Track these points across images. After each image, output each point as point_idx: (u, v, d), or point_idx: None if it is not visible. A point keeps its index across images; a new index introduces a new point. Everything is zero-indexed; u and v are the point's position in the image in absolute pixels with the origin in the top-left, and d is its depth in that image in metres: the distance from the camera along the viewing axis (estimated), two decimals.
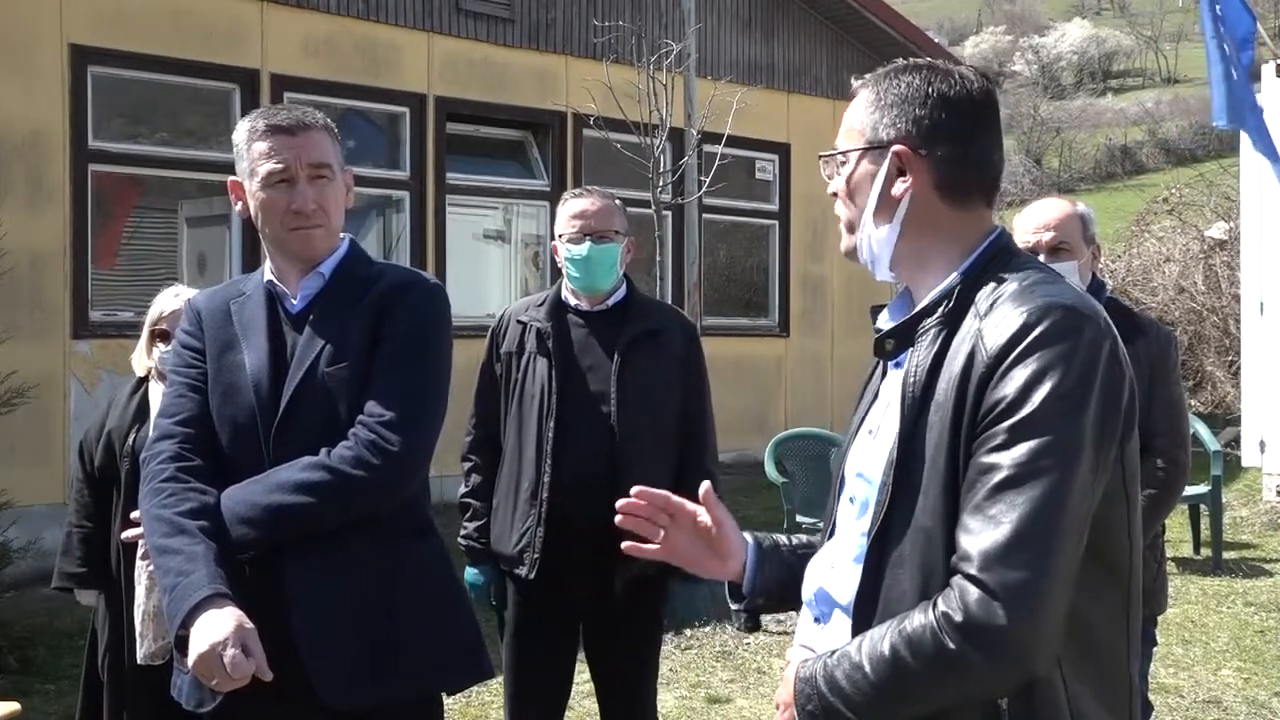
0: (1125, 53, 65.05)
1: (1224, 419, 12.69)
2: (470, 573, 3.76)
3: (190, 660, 2.30)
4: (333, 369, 2.53)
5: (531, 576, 3.55)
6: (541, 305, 3.70)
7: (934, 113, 1.82)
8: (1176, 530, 8.93)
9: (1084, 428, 1.63)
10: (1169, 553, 8.41)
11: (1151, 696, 5.68)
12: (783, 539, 2.11)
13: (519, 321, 3.70)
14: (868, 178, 1.86)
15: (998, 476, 1.62)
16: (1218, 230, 14.87)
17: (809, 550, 2.06)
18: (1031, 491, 1.60)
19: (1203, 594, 7.44)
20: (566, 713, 3.90)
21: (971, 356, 1.69)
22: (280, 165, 2.55)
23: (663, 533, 2.04)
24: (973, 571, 1.60)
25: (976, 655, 1.59)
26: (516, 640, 3.68)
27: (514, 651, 3.69)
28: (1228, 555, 8.28)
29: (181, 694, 2.57)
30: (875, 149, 1.84)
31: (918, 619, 1.64)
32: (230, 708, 2.43)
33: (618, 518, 2.00)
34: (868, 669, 1.66)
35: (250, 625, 2.31)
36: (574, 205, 3.67)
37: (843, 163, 1.90)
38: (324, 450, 2.48)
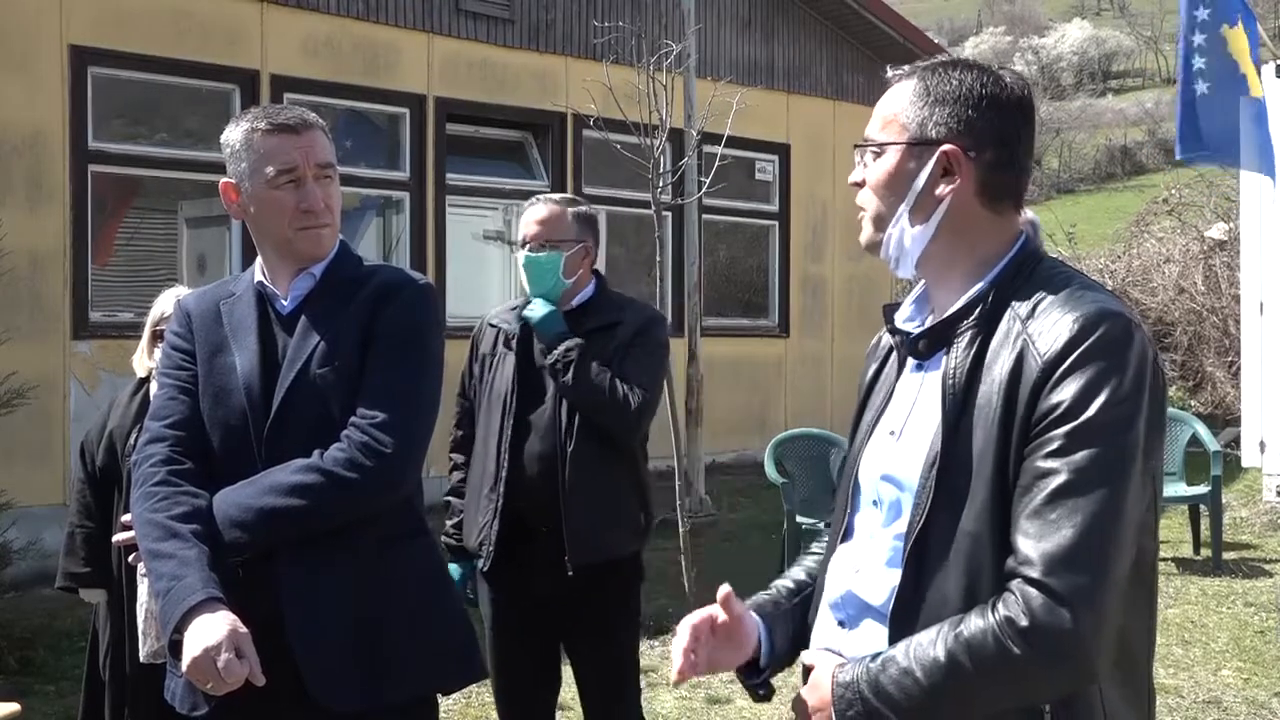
0: (1125, 53, 65.02)
1: (1224, 419, 12.68)
2: (451, 568, 3.84)
3: (184, 665, 2.30)
4: (324, 370, 2.52)
5: (486, 569, 3.68)
6: (514, 309, 3.83)
7: (986, 114, 1.78)
8: (1176, 530, 8.93)
9: (1137, 434, 1.64)
10: (1169, 553, 8.44)
11: None
12: (778, 593, 2.06)
13: (491, 325, 3.86)
14: (907, 174, 1.81)
15: (1056, 481, 1.62)
16: (1217, 231, 14.87)
17: (801, 592, 2.04)
18: (1091, 497, 1.60)
19: (1203, 594, 7.44)
20: (569, 712, 3.91)
21: (1020, 360, 1.68)
22: (289, 165, 2.53)
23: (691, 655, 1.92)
24: (1035, 575, 1.59)
25: (1041, 659, 1.59)
26: (492, 635, 3.79)
27: (491, 647, 3.79)
28: (1228, 556, 8.27)
29: (175, 698, 2.56)
30: (921, 145, 1.80)
31: (976, 623, 1.62)
32: (224, 711, 2.43)
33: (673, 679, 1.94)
34: (919, 674, 1.64)
35: (244, 629, 2.31)
36: (527, 213, 3.80)
37: (878, 155, 1.84)
38: (316, 452, 2.47)
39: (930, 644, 1.65)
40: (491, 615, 3.77)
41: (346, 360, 2.53)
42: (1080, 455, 1.61)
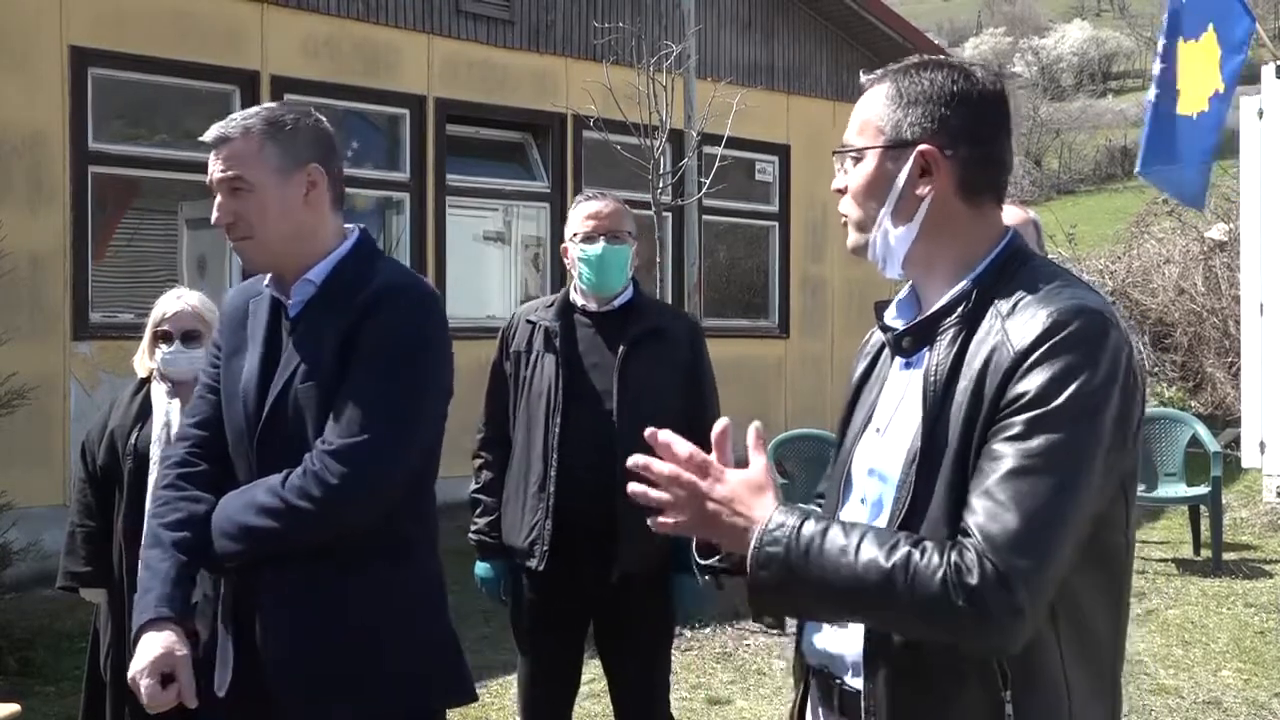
0: (1125, 54, 64.99)
1: (1224, 420, 12.68)
2: (482, 567, 3.86)
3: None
4: (306, 384, 2.44)
5: (541, 568, 3.64)
6: (550, 306, 3.81)
7: (959, 112, 1.80)
8: (1176, 531, 8.94)
9: (1101, 429, 1.65)
10: (1169, 554, 8.45)
11: (1152, 697, 5.68)
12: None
13: (528, 321, 3.81)
14: (887, 176, 1.83)
15: (1010, 464, 1.63)
16: (1217, 231, 14.87)
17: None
18: (1043, 483, 1.62)
19: (1203, 595, 7.44)
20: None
21: (993, 352, 1.70)
22: (208, 181, 2.54)
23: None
24: (984, 550, 1.61)
25: (973, 620, 1.60)
26: (530, 630, 3.78)
27: (527, 641, 3.79)
28: (1228, 556, 8.28)
29: None
30: (897, 147, 1.82)
31: (933, 559, 1.61)
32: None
33: (630, 485, 1.84)
34: (857, 564, 1.63)
35: (182, 651, 2.33)
36: (588, 206, 3.77)
37: (857, 160, 1.86)
38: (286, 472, 2.41)
39: (879, 547, 1.63)
40: (531, 612, 3.74)
41: (323, 376, 2.43)
42: (1036, 442, 1.63)
